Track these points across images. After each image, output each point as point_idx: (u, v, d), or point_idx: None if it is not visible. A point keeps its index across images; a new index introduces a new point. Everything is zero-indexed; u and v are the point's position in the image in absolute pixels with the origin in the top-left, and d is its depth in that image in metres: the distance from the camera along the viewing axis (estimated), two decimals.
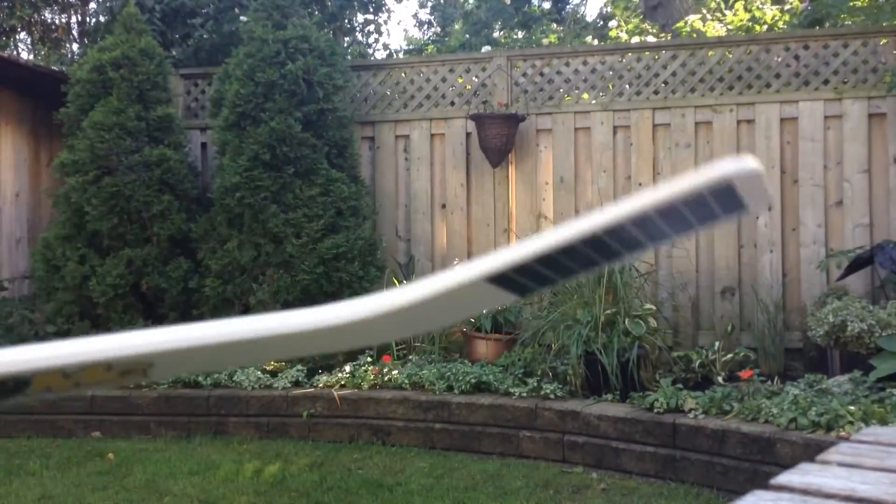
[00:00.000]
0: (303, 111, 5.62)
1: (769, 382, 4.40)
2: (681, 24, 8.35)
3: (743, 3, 8.49)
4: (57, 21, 9.07)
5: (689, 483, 3.92)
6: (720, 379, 4.58)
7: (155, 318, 5.76)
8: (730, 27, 8.26)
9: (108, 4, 7.24)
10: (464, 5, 13.86)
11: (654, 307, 5.07)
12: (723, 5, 9.25)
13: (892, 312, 4.43)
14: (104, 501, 3.91)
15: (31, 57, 9.38)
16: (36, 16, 8.84)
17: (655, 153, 5.75)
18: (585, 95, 5.95)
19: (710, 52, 5.74)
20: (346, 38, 9.19)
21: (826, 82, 5.49)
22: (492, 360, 5.19)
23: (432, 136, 6.18)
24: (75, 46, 9.04)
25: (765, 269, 5.49)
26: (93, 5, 8.63)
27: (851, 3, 6.88)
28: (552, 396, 4.55)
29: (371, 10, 9.67)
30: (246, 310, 5.60)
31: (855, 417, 3.62)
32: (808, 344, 5.20)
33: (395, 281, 5.97)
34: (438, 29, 14.35)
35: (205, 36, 7.34)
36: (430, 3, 15.18)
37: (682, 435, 3.99)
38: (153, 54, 5.99)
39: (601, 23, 12.71)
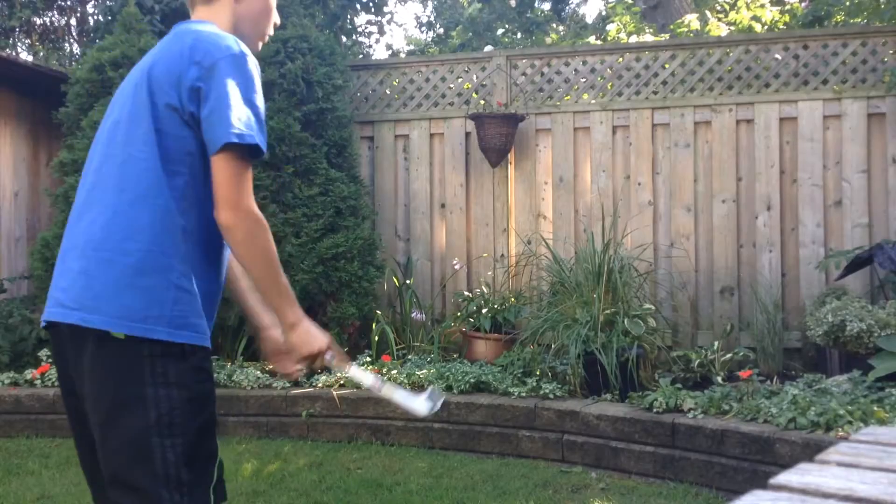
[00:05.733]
0: (302, 111, 5.62)
1: (768, 382, 4.41)
2: (677, 23, 8.33)
3: (745, 1, 8.48)
4: (56, 23, 9.07)
5: (687, 483, 3.92)
6: (719, 379, 4.58)
7: None
8: (732, 27, 8.25)
9: (108, 4, 7.23)
10: (466, 9, 13.85)
11: (653, 307, 5.07)
12: (727, 6, 9.24)
13: (891, 312, 4.44)
14: None
15: (30, 57, 9.37)
16: (35, 18, 8.84)
17: (654, 153, 5.75)
18: (585, 95, 5.95)
19: (710, 52, 5.74)
20: (348, 39, 9.17)
21: (825, 82, 5.49)
22: (491, 359, 5.19)
23: (432, 135, 6.18)
24: (75, 47, 9.04)
25: (764, 269, 5.49)
26: (91, 7, 8.64)
27: (850, 1, 6.87)
28: (551, 396, 4.55)
29: (372, 10, 9.65)
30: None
31: (854, 417, 3.62)
32: (807, 344, 5.21)
33: (395, 280, 5.97)
34: (441, 31, 14.34)
35: None
36: (430, 3, 15.18)
37: (681, 435, 3.99)
38: None
39: (600, 23, 12.71)
